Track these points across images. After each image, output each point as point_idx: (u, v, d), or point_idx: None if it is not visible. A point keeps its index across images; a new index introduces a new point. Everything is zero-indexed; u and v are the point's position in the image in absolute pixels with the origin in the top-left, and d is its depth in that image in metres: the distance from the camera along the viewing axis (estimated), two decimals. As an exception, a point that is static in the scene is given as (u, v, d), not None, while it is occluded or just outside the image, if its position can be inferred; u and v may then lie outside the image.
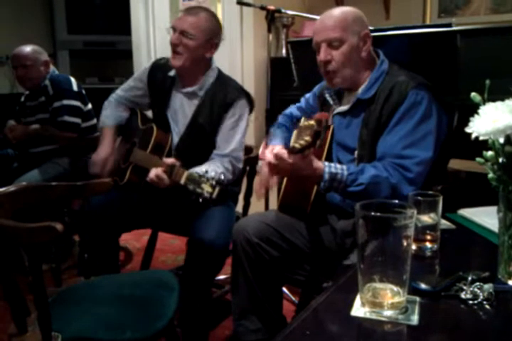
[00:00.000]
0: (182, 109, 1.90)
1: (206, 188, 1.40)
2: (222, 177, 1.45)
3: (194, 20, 1.76)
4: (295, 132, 1.22)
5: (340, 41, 1.45)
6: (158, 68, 1.95)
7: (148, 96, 1.99)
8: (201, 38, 1.78)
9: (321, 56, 1.48)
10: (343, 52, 1.45)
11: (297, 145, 1.24)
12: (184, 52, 1.78)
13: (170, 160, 1.61)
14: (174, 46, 1.78)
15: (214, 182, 1.41)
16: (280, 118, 1.79)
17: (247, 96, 1.87)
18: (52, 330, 1.11)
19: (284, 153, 1.29)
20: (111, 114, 2.03)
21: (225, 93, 1.83)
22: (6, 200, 1.25)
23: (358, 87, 1.51)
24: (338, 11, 1.49)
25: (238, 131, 1.83)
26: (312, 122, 1.20)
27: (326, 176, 1.33)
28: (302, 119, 1.20)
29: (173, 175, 1.52)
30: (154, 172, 1.59)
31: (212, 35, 1.81)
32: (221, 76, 1.91)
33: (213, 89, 1.85)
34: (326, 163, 1.35)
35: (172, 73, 1.90)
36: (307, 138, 1.24)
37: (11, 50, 2.62)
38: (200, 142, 1.85)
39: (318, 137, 1.26)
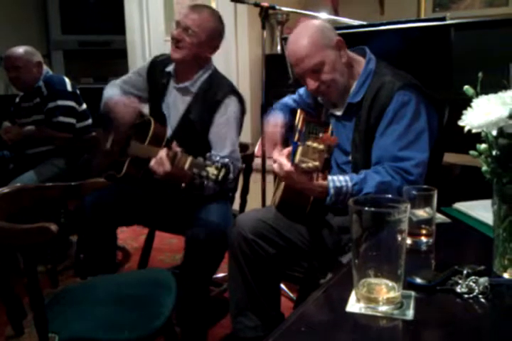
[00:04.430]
0: (175, 104, 1.92)
1: (211, 171, 1.40)
2: (227, 160, 1.45)
3: (198, 17, 1.79)
4: (300, 148, 1.23)
5: (321, 64, 1.43)
6: (157, 64, 1.98)
7: (148, 91, 2.00)
8: (202, 37, 1.80)
9: (310, 86, 1.47)
10: (328, 71, 1.44)
11: (304, 166, 1.23)
12: (185, 48, 1.79)
13: (174, 148, 1.54)
14: (176, 41, 1.80)
15: (219, 165, 1.40)
16: (276, 105, 1.79)
17: (238, 95, 1.87)
18: (49, 331, 1.10)
19: (283, 161, 1.30)
20: (118, 92, 1.97)
21: (216, 91, 1.83)
22: (1, 202, 1.24)
23: (348, 91, 1.50)
24: (303, 34, 1.45)
25: (231, 129, 1.82)
26: (322, 147, 1.19)
27: (332, 191, 1.33)
28: (310, 141, 1.21)
29: (176, 161, 1.48)
30: (159, 155, 1.52)
31: (214, 35, 1.84)
32: (215, 74, 1.91)
33: (205, 87, 1.86)
34: (330, 178, 1.34)
35: (169, 69, 1.92)
36: (316, 163, 1.22)
37: (4, 50, 2.61)
38: (191, 138, 1.84)
39: (326, 164, 1.27)
